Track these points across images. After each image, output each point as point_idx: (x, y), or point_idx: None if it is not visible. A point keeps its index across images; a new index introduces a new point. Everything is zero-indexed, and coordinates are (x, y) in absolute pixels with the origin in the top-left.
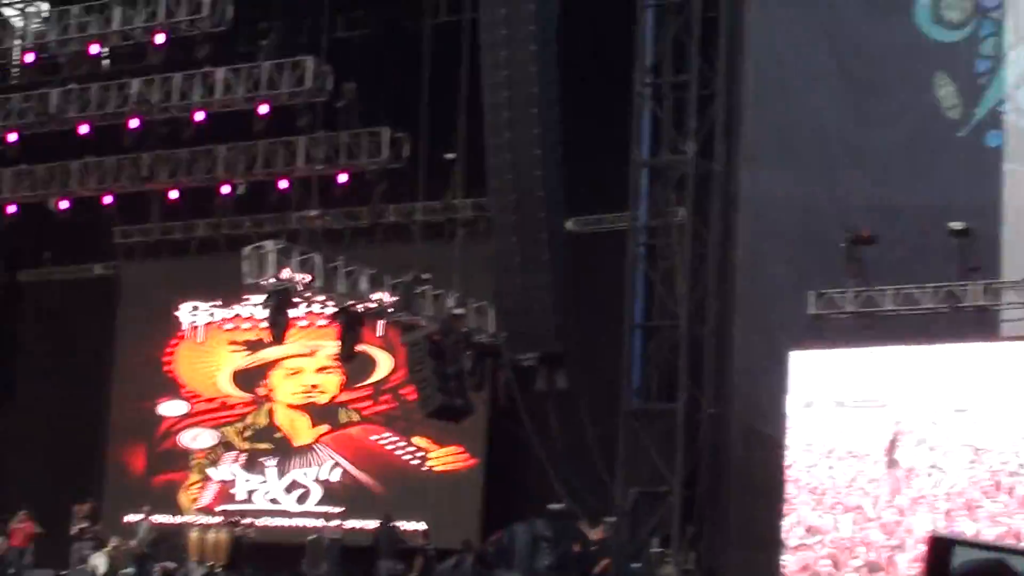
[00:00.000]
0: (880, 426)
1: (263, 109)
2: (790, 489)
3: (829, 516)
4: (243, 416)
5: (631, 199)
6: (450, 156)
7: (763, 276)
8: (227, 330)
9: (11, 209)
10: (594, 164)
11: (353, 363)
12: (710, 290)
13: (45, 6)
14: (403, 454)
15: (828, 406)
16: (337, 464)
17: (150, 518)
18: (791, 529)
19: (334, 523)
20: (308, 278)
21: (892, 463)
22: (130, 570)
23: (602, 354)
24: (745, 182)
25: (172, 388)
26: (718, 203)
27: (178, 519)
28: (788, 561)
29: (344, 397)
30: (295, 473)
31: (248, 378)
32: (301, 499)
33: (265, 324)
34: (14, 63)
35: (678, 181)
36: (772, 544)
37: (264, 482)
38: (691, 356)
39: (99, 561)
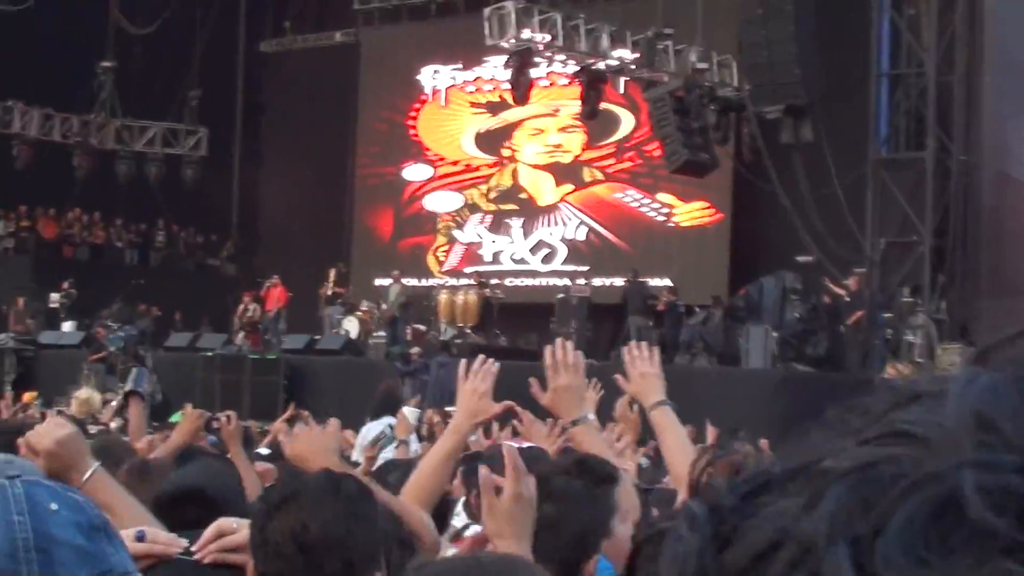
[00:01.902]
0: None
1: None
2: None
3: None
4: (487, 178)
5: None
6: None
7: (1014, 17)
8: (469, 92)
9: None
10: None
11: (596, 121)
12: (959, 35)
13: None
14: (648, 211)
15: None
16: (582, 223)
17: (399, 281)
18: None
19: (581, 281)
20: (549, 37)
21: None
22: (381, 333)
23: (848, 105)
24: None
25: (416, 152)
26: None
27: (426, 282)
28: None
29: (587, 156)
30: (540, 232)
31: (491, 140)
32: (547, 259)
33: (507, 85)
34: None
35: None
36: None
37: (510, 243)
38: (940, 103)
39: (351, 325)
